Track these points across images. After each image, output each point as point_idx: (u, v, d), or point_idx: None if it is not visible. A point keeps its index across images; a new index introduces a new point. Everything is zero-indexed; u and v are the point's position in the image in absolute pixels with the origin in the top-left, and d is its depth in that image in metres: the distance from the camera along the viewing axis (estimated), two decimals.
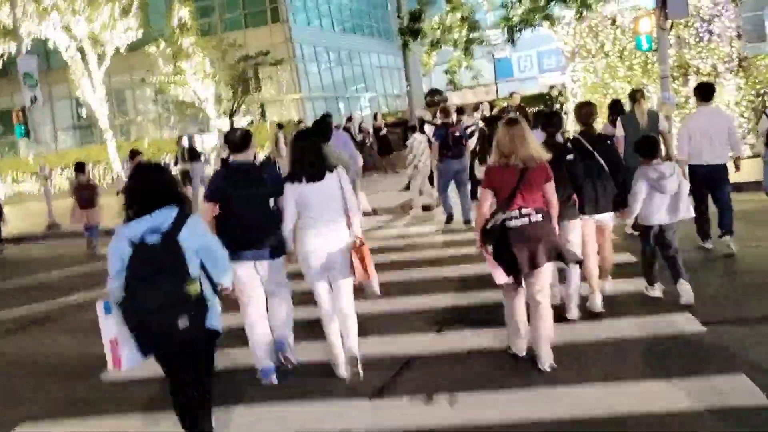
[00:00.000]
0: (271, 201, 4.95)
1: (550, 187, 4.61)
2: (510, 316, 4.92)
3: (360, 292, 5.12)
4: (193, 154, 15.69)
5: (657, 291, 6.05)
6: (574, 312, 5.68)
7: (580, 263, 5.36)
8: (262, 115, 33.06)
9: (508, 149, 4.48)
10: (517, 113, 14.48)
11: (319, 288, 4.99)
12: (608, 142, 5.98)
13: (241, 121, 31.99)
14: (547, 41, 43.81)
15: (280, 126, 21.82)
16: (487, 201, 4.64)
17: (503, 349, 5.16)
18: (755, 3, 15.70)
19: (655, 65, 13.91)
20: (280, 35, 36.95)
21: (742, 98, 13.42)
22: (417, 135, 12.55)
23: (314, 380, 5.08)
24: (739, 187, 9.38)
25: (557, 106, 19.43)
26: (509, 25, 13.88)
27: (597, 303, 5.80)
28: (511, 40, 14.07)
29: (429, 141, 11.66)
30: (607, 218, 5.87)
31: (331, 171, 4.79)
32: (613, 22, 14.40)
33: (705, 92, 7.52)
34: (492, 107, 20.55)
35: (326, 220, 4.76)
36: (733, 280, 6.82)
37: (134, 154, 12.40)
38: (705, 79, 13.56)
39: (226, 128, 23.74)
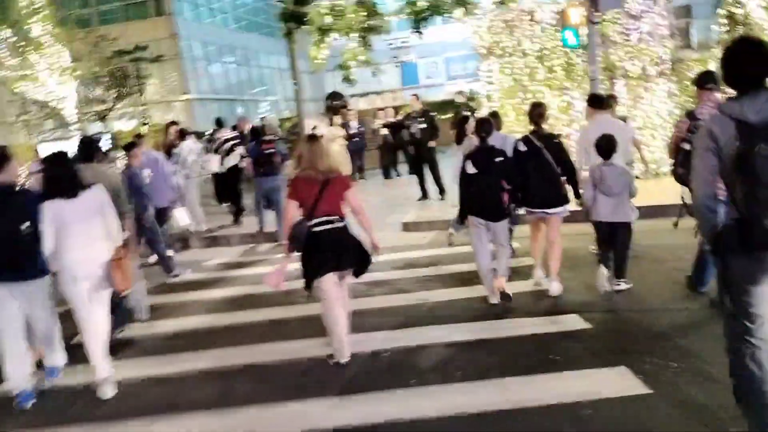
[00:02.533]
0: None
1: (352, 196, 5.02)
2: (332, 323, 5.06)
3: None
4: None
5: (606, 284, 6.01)
6: (494, 298, 6.19)
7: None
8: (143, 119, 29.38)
9: (309, 163, 4.90)
10: (422, 118, 12.31)
11: (75, 299, 4.96)
12: (556, 140, 6.22)
13: (118, 126, 28.62)
14: (455, 48, 42.72)
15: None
16: (293, 210, 4.98)
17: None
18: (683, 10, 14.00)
19: (578, 66, 12.03)
20: (164, 30, 33.68)
21: (675, 106, 11.70)
22: (186, 143, 11.57)
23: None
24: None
25: (467, 112, 17.45)
26: (414, 11, 11.57)
27: (554, 288, 6.24)
28: (417, 29, 11.71)
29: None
30: (555, 212, 6.17)
31: (86, 188, 4.94)
32: (532, 17, 12.42)
33: (596, 100, 7.33)
34: (396, 113, 18.54)
35: (84, 236, 4.84)
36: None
37: None
38: (634, 83, 11.87)
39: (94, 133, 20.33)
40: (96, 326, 4.98)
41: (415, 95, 12.69)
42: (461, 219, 6.35)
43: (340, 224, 4.93)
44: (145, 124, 26.40)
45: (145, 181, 8.32)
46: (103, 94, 27.68)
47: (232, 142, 12.02)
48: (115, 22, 32.62)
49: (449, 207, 11.39)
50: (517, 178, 5.94)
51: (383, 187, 15.69)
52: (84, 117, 24.51)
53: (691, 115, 5.36)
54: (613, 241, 5.99)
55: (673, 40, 11.99)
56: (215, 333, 6.31)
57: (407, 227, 10.57)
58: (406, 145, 13.65)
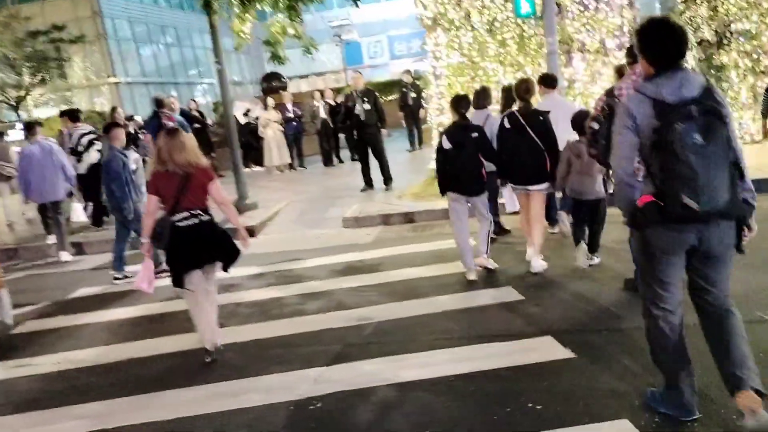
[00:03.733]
0: None
1: (215, 188, 4.93)
2: (197, 317, 4.95)
3: None
4: None
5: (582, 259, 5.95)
6: (472, 275, 6.13)
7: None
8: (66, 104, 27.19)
9: (166, 157, 4.77)
10: (363, 99, 11.08)
11: None
12: (541, 117, 6.07)
13: (38, 113, 26.50)
14: (398, 25, 41.55)
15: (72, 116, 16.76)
16: (154, 206, 4.87)
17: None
18: None
19: (533, 39, 10.98)
20: (85, 8, 31.35)
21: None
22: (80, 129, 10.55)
23: None
24: None
25: (413, 94, 16.35)
26: None
27: (535, 265, 6.14)
28: (354, 0, 10.43)
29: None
30: (537, 189, 6.13)
31: None
32: None
33: (548, 80, 7.21)
34: (336, 95, 17.28)
35: None
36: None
37: None
38: (592, 57, 10.89)
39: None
40: None
41: (357, 72, 11.43)
42: (441, 193, 6.32)
43: (205, 218, 4.88)
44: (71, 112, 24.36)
45: None
46: (18, 78, 25.46)
47: (89, 137, 10.40)
48: (30, 1, 30.13)
49: (394, 198, 10.27)
50: (493, 153, 6.11)
51: (323, 176, 14.42)
52: None
53: (610, 92, 4.87)
54: (588, 217, 5.95)
55: (633, 9, 11.04)
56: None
57: (348, 223, 9.39)
58: (348, 129, 12.45)
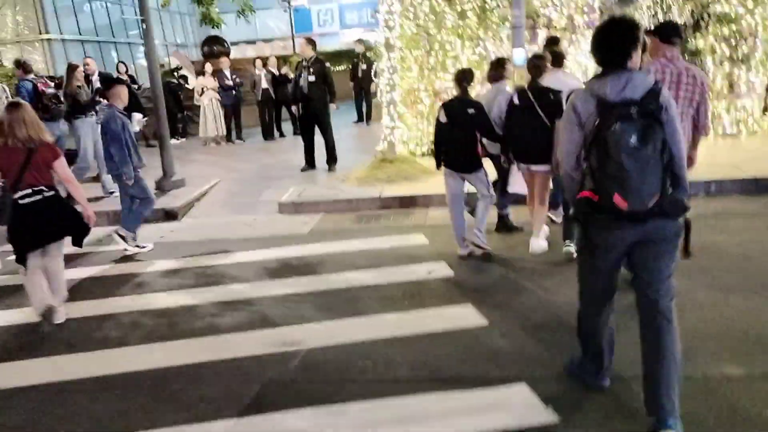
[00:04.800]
0: None
1: (60, 165, 4.84)
2: (31, 290, 4.93)
3: None
4: None
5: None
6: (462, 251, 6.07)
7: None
8: None
9: (7, 132, 4.67)
10: (310, 69, 9.95)
11: None
12: (552, 96, 5.71)
13: None
14: None
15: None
16: None
17: None
18: None
19: (495, 12, 10.03)
20: None
21: None
22: None
23: None
24: None
25: (363, 66, 15.26)
26: None
27: (533, 246, 5.92)
28: None
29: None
30: (539, 170, 5.85)
31: None
32: None
33: (556, 58, 6.47)
34: (282, 64, 16.04)
35: None
36: None
37: None
38: (559, 34, 10.01)
39: None
40: None
41: (307, 39, 10.24)
42: (437, 167, 6.21)
43: (49, 194, 4.81)
44: None
45: None
46: None
47: None
48: None
49: (338, 181, 9.25)
50: (491, 131, 5.92)
51: (261, 152, 13.21)
52: None
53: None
54: None
55: None
56: None
57: (285, 209, 8.34)
58: (291, 101, 11.32)
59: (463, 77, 5.95)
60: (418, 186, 8.55)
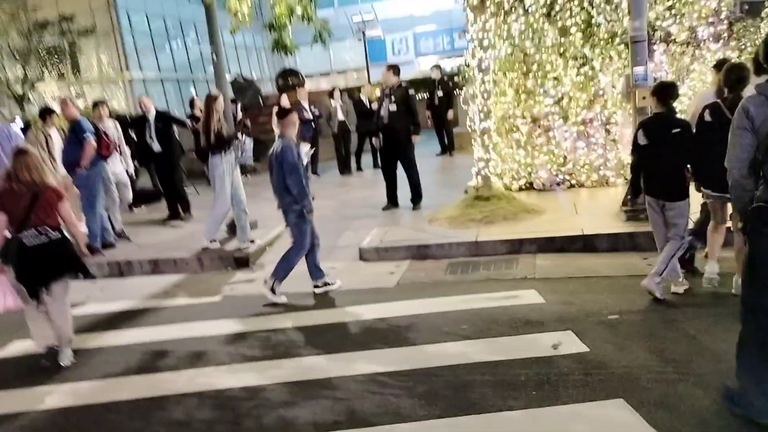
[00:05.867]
0: None
1: (63, 208, 4.99)
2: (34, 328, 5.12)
3: None
4: None
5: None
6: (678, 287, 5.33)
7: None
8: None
9: (14, 175, 4.88)
10: (392, 97, 8.98)
11: None
12: None
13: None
14: (424, 21, 39.44)
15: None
16: (2, 223, 4.86)
17: None
18: None
19: (601, 27, 8.81)
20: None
21: None
22: None
23: None
24: None
25: (439, 93, 14.25)
26: None
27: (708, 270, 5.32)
28: None
29: None
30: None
31: None
32: None
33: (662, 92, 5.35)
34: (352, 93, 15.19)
35: None
36: None
37: None
38: (679, 50, 8.70)
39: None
40: None
41: (389, 66, 9.27)
42: (633, 195, 5.88)
43: (54, 235, 4.94)
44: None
45: None
46: (25, 72, 23.82)
47: None
48: None
49: (425, 222, 8.16)
50: (690, 155, 5.19)
51: (338, 188, 12.27)
52: None
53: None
54: None
55: None
56: None
57: (367, 255, 7.31)
58: (372, 134, 10.40)
59: (666, 92, 5.27)
60: (521, 228, 7.36)
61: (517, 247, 6.94)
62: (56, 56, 25.90)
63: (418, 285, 6.21)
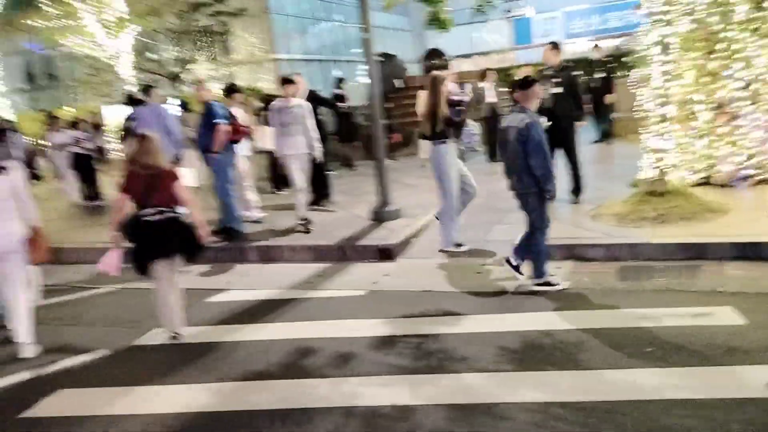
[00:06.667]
0: None
1: (180, 188, 5.22)
2: (160, 302, 5.27)
3: None
4: None
5: None
6: None
7: None
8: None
9: (135, 159, 5.19)
10: (554, 79, 8.19)
11: None
12: None
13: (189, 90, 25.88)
14: (576, 1, 37.36)
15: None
16: (122, 203, 5.20)
17: None
18: None
19: None
20: None
21: None
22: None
23: None
24: None
25: (599, 74, 13.14)
26: None
27: None
28: None
29: None
30: None
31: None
32: None
33: None
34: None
35: None
36: None
37: None
38: None
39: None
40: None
41: (552, 44, 8.49)
42: None
43: (171, 214, 5.17)
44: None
45: None
46: (180, 53, 24.92)
47: None
48: None
49: (587, 217, 7.37)
50: None
51: (487, 176, 11.48)
52: (143, 78, 21.40)
53: None
54: None
55: None
56: None
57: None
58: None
59: None
60: (703, 229, 6.42)
61: (700, 252, 6.02)
62: (209, 37, 26.81)
63: (585, 293, 5.49)
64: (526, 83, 5.67)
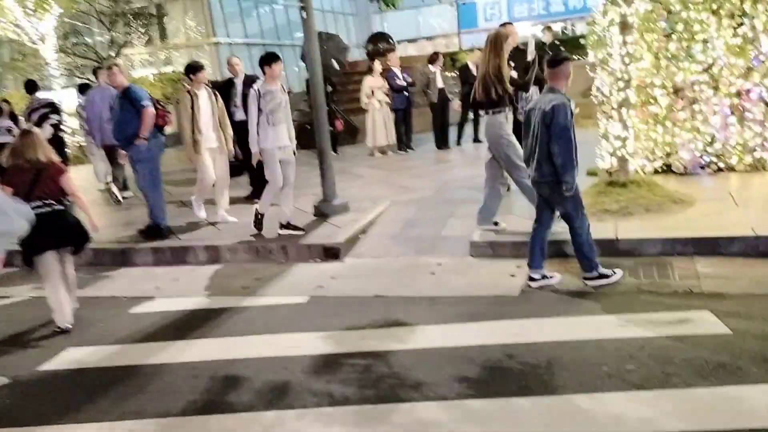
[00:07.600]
0: None
1: (66, 182, 5.35)
2: (51, 294, 5.33)
3: None
4: None
5: None
6: None
7: None
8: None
9: (20, 153, 5.28)
10: (509, 63, 7.64)
11: None
12: None
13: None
14: None
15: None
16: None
17: None
18: None
19: None
20: None
21: None
22: None
23: None
24: None
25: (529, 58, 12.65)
26: None
27: None
28: None
29: None
30: None
31: None
32: None
33: None
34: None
35: None
36: None
37: None
38: None
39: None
40: None
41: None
42: None
43: (57, 207, 5.30)
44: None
45: None
46: (112, 35, 23.64)
47: (40, 112, 10.16)
48: None
49: None
50: None
51: (437, 165, 11.05)
52: (73, 63, 20.14)
53: None
54: None
55: None
56: None
57: (479, 250, 6.15)
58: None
59: None
60: (669, 222, 6.01)
61: (668, 248, 5.61)
62: (144, 20, 25.60)
63: (551, 297, 5.00)
64: (557, 61, 5.07)
